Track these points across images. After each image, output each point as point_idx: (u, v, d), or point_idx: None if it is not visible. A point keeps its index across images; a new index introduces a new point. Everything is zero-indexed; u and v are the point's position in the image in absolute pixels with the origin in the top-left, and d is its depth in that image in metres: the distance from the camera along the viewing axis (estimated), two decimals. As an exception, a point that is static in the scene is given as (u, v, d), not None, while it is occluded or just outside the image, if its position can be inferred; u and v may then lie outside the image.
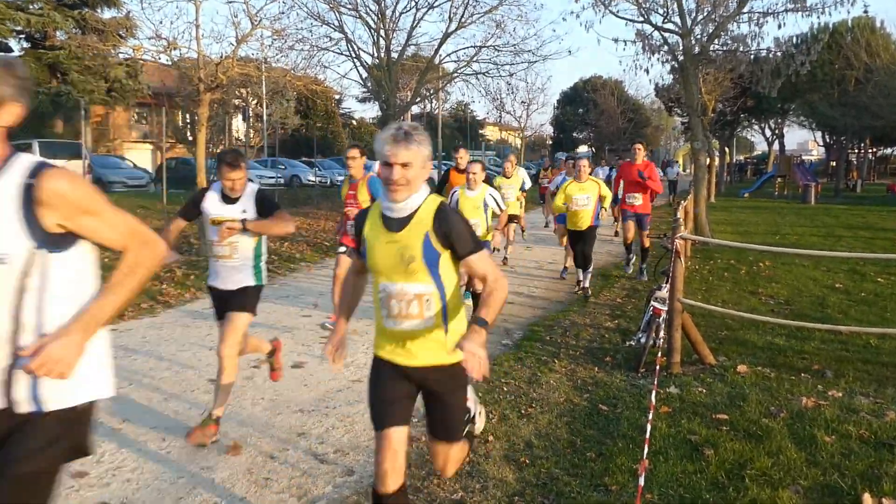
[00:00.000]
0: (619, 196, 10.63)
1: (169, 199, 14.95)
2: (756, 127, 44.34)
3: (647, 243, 10.08)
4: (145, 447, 4.08)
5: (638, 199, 9.85)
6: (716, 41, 13.63)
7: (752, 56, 14.10)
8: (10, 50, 31.92)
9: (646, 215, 9.99)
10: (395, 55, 20.42)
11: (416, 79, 23.71)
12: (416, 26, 20.42)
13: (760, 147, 75.31)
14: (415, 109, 54.51)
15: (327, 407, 4.82)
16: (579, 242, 8.72)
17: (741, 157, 73.32)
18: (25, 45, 32.44)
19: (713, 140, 32.90)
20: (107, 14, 32.11)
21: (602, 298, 8.65)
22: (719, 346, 6.23)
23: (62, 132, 30.29)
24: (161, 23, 20.24)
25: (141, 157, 35.34)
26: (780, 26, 14.23)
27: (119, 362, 5.71)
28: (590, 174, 8.88)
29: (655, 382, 4.04)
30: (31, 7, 30.15)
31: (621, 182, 10.51)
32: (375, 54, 20.38)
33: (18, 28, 30.55)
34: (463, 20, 20.16)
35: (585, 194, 8.58)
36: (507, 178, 11.19)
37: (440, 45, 20.91)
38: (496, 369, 5.66)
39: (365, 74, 21.11)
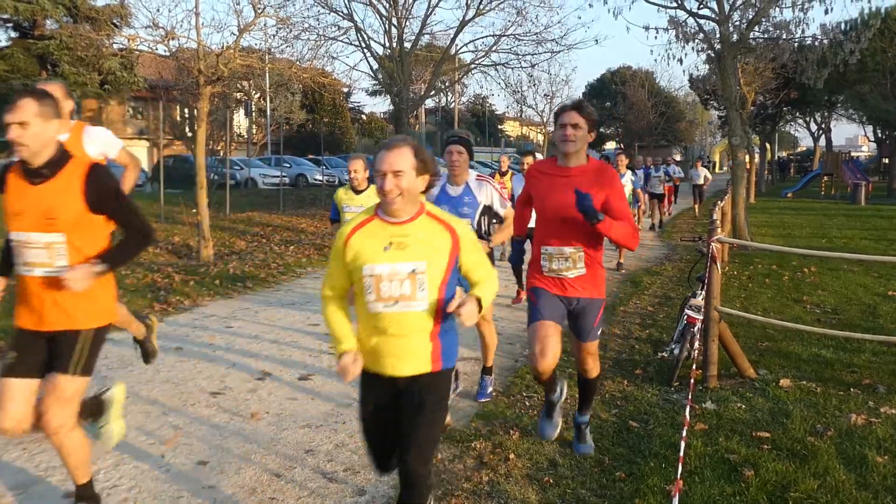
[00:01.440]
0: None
1: (166, 199, 15.09)
2: (800, 121, 44.08)
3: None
4: (143, 464, 4.13)
5: None
6: (756, 28, 13.60)
7: (795, 44, 14.05)
8: (-4, 39, 32.38)
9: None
10: (408, 45, 20.50)
11: (431, 70, 23.79)
12: (430, 14, 20.52)
13: (805, 143, 74.94)
14: (429, 103, 54.75)
15: (336, 422, 4.85)
16: None
17: (784, 154, 72.86)
18: (13, 34, 32.84)
19: (753, 135, 32.69)
20: (100, 1, 32.45)
21: (632, 306, 8.64)
22: (760, 359, 6.20)
23: (52, 127, 30.65)
24: (158, 11, 20.73)
25: (137, 154, 35.56)
26: (826, 11, 14.12)
27: (115, 374, 5.79)
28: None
29: (690, 397, 4.04)
30: (18, -6, 30.55)
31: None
32: (387, 44, 20.47)
33: (5, 16, 30.93)
34: (481, 7, 20.22)
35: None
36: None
37: (456, 33, 20.98)
38: (517, 382, 5.68)
39: (376, 66, 21.20)
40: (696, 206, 21.99)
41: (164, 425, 4.73)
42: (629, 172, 12.65)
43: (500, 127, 66.30)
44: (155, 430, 4.65)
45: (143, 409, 5.01)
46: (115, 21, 26.05)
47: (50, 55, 30.20)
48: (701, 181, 21.62)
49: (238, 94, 34.26)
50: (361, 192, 6.52)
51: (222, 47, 13.74)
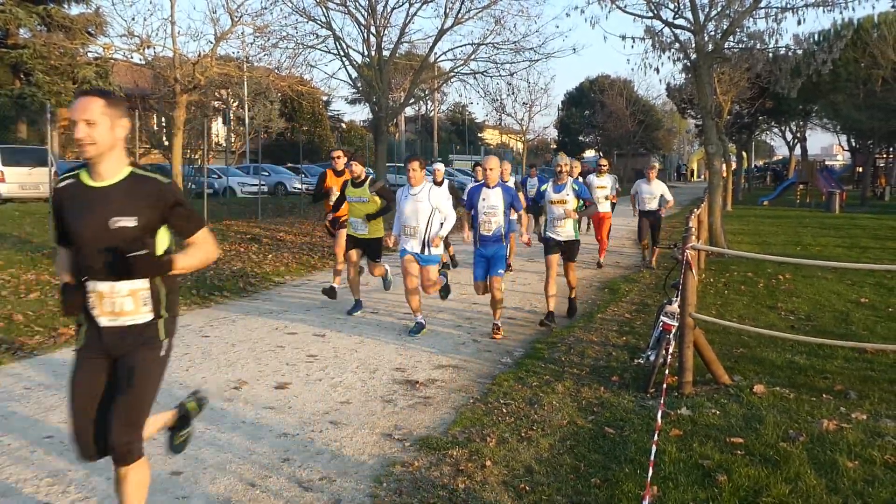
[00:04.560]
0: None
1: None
2: (776, 130, 44.62)
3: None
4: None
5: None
6: (731, 38, 13.78)
7: (769, 54, 14.23)
8: (-32, 48, 32.01)
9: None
10: (386, 53, 20.56)
11: (410, 79, 23.87)
12: (409, 22, 20.59)
13: (781, 152, 75.88)
14: (409, 111, 54.85)
15: (313, 431, 4.84)
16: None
17: (760, 163, 73.74)
18: (-15, 43, 32.54)
19: (729, 144, 33.06)
20: (74, 10, 32.23)
21: (609, 313, 8.70)
22: (734, 365, 6.27)
23: (26, 137, 30.33)
24: (133, 19, 20.53)
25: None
26: (799, 22, 14.42)
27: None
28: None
29: (662, 402, 4.08)
30: (-10, 3, 30.26)
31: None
32: (366, 52, 20.52)
33: (-23, 25, 30.65)
34: (459, 16, 20.33)
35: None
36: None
37: (435, 42, 21.07)
38: (495, 389, 5.71)
39: (355, 74, 21.24)
40: (646, 250, 12.90)
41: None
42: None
43: (479, 135, 66.50)
44: (129, 440, 4.61)
45: (117, 420, 4.97)
46: (89, 30, 25.90)
47: (24, 64, 29.88)
48: (654, 205, 12.46)
49: (216, 102, 34.19)
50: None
51: (199, 56, 13.71)
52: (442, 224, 7.65)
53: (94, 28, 27.80)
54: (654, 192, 12.61)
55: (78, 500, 3.78)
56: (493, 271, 7.56)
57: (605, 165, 13.62)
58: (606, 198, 12.96)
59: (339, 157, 9.57)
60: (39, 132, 29.51)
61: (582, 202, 8.28)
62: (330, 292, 9.12)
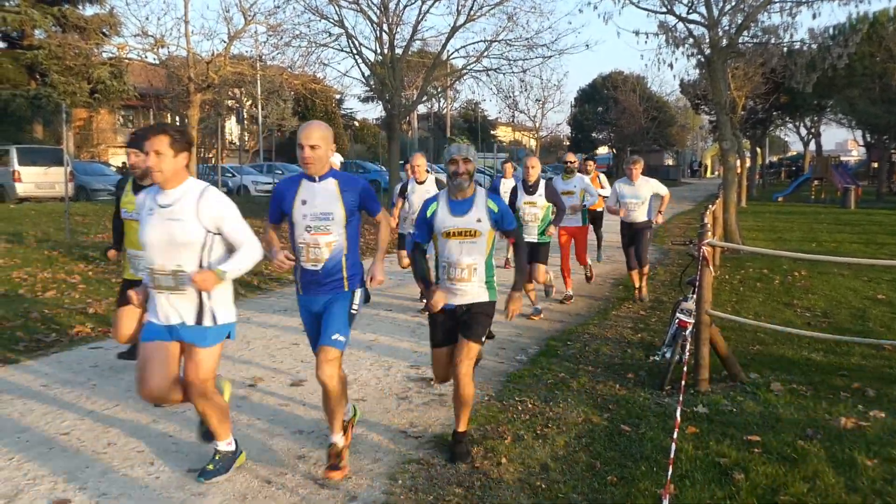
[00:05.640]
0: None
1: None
2: (790, 125, 44.34)
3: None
4: (132, 472, 4.12)
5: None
6: (745, 33, 13.68)
7: (784, 49, 14.16)
8: (-15, 49, 32.33)
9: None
10: (399, 51, 20.54)
11: (423, 76, 23.83)
12: (421, 20, 20.57)
13: (795, 147, 75.34)
14: (421, 109, 54.81)
15: (328, 428, 4.83)
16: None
17: (774, 158, 73.24)
18: (1, 45, 32.82)
19: (743, 140, 32.85)
20: (89, 11, 32.48)
21: (624, 310, 8.66)
22: (751, 362, 6.23)
23: (42, 137, 30.58)
24: (147, 19, 20.70)
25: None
26: (814, 16, 14.30)
27: (103, 382, 5.77)
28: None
29: (681, 399, 4.05)
30: (6, 4, 30.50)
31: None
32: (378, 50, 20.51)
33: (-6, 27, 30.92)
34: (472, 13, 20.28)
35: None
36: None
37: (448, 39, 21.02)
38: (510, 387, 5.69)
39: (367, 72, 21.24)
40: (641, 279, 9.33)
41: (154, 433, 4.71)
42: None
43: (492, 132, 66.40)
44: (144, 437, 4.63)
45: (133, 417, 4.99)
46: (104, 30, 26.08)
47: (39, 65, 30.14)
48: (642, 215, 9.24)
49: (229, 101, 34.33)
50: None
51: (213, 55, 13.76)
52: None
53: (109, 28, 27.98)
54: (641, 194, 9.06)
55: (95, 496, 3.80)
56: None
57: (584, 165, 12.08)
58: (573, 208, 9.02)
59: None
60: (55, 132, 29.73)
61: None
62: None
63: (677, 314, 5.80)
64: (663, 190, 9.40)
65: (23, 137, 27.91)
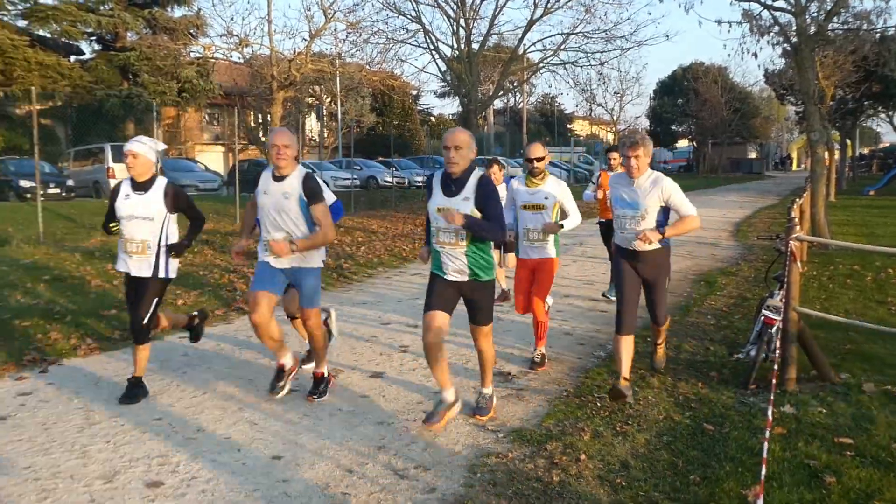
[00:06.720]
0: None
1: (241, 203, 15.49)
2: (883, 116, 42.22)
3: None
4: (220, 458, 4.25)
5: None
6: (834, 19, 13.12)
7: (877, 35, 13.51)
8: (81, 52, 33.91)
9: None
10: (476, 46, 20.56)
11: (499, 71, 23.79)
12: (498, 14, 20.56)
13: (888, 138, 71.96)
14: (497, 104, 54.70)
15: (407, 419, 4.89)
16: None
17: (865, 150, 70.11)
18: (97, 47, 34.37)
19: (833, 131, 31.54)
20: (177, 13, 33.70)
21: (706, 307, 8.44)
22: (841, 362, 5.98)
23: (134, 135, 31.82)
24: (232, 19, 21.27)
25: (213, 159, 36.77)
26: (911, 0, 13.57)
27: (193, 370, 5.98)
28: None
29: (772, 398, 3.91)
30: (101, 8, 31.87)
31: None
32: (455, 45, 20.59)
33: (89, 30, 32.42)
34: (549, 6, 20.13)
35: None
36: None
37: (524, 33, 20.92)
38: (588, 383, 5.63)
39: (444, 67, 21.34)
40: (658, 345, 6.00)
41: (240, 420, 4.85)
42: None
43: (569, 126, 65.72)
44: (231, 424, 4.78)
45: (220, 405, 5.16)
46: (191, 31, 26.90)
47: (131, 66, 31.45)
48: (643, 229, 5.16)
49: (310, 98, 34.99)
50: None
51: (294, 53, 14.04)
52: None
53: (196, 29, 28.87)
54: (643, 203, 5.07)
55: (186, 480, 3.94)
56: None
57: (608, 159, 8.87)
58: (542, 232, 5.96)
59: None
60: (146, 130, 30.91)
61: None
62: None
63: (763, 311, 5.61)
64: (686, 207, 5.08)
65: (116, 135, 29.10)
